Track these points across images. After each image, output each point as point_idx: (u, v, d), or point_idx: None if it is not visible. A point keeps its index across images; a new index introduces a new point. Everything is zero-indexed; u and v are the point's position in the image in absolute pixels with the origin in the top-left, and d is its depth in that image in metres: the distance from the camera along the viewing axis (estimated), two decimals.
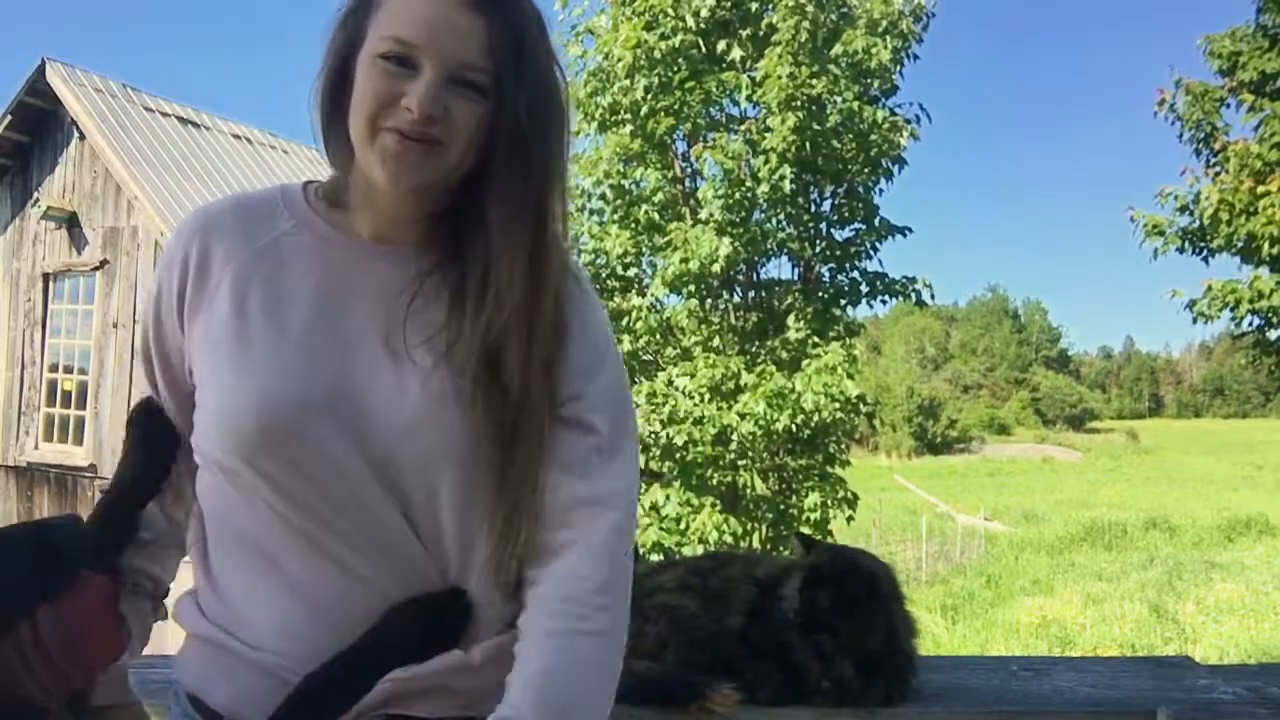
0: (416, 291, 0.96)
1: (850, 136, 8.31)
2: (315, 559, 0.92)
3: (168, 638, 1.11)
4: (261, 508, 0.93)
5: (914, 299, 8.72)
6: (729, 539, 7.54)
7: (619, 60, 8.01)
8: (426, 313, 0.95)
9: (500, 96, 0.92)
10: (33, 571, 0.88)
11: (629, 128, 8.30)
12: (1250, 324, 8.12)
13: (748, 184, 7.95)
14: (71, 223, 9.92)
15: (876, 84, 8.50)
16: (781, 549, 8.05)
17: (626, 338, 8.24)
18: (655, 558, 7.34)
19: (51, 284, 10.25)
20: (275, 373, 0.93)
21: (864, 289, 8.65)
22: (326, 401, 0.92)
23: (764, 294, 8.86)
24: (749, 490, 8.43)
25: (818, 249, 8.64)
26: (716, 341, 8.54)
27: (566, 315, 0.98)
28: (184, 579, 1.06)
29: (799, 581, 1.34)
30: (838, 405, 7.46)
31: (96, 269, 9.75)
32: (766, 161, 7.85)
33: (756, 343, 8.50)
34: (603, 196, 8.61)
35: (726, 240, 7.68)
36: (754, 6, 8.34)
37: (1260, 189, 7.51)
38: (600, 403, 0.99)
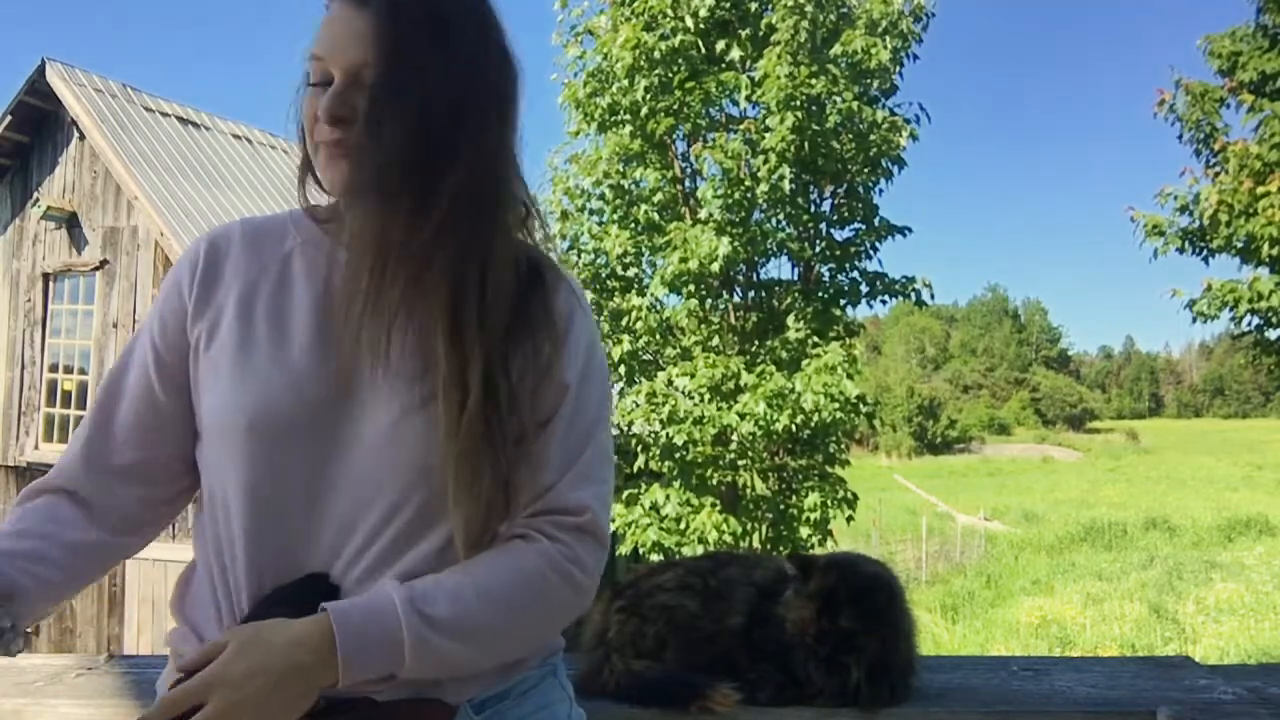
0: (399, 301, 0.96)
1: (849, 136, 8.32)
2: (256, 578, 0.93)
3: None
4: (229, 517, 0.94)
5: (914, 299, 8.73)
6: (729, 539, 7.55)
7: (618, 61, 8.02)
8: (410, 322, 0.95)
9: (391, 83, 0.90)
10: None
11: (629, 128, 8.31)
12: (1250, 324, 8.11)
13: (747, 184, 7.95)
14: (71, 223, 9.91)
15: (876, 84, 8.51)
16: (781, 549, 8.05)
17: (626, 338, 8.24)
18: (655, 558, 7.34)
19: (51, 284, 10.24)
20: (275, 380, 0.94)
21: (864, 289, 8.67)
22: (318, 412, 0.93)
23: (764, 294, 8.87)
24: (749, 490, 8.43)
25: (817, 249, 8.65)
26: (716, 341, 8.55)
27: (547, 318, 0.97)
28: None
29: (813, 611, 1.30)
30: (837, 405, 7.47)
31: (96, 269, 9.75)
32: (766, 161, 7.85)
33: (756, 343, 8.50)
34: (602, 196, 8.62)
35: (726, 240, 7.68)
36: (753, 6, 8.35)
37: (1260, 189, 7.50)
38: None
